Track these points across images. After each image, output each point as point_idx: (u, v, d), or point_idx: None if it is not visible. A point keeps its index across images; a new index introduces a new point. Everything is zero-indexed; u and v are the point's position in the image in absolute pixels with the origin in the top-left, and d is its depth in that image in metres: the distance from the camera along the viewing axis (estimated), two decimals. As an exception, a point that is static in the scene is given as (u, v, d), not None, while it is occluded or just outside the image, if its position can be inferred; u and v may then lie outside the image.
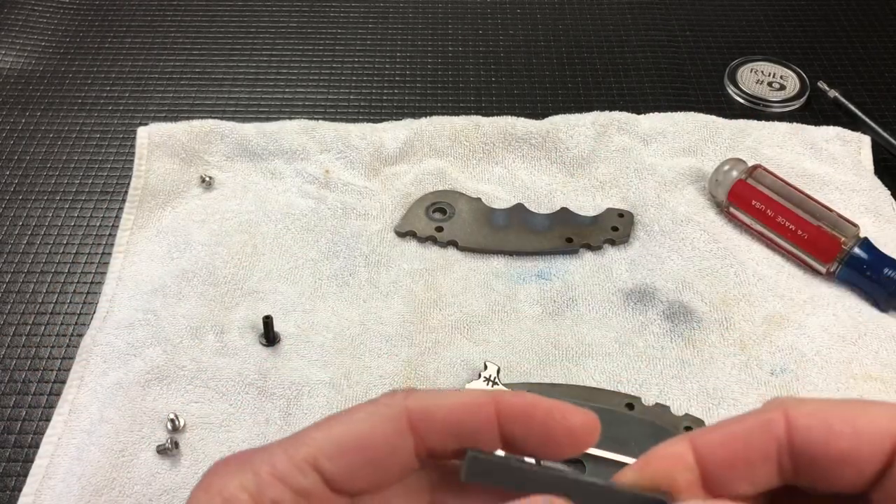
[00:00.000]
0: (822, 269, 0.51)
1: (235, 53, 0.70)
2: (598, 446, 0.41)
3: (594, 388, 0.46)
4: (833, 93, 0.64)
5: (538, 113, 0.62)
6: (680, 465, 0.22)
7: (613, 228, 0.54)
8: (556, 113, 0.61)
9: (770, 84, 0.66)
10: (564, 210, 0.55)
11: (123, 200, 0.56)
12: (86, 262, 0.54)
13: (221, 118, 0.61)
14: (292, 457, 0.23)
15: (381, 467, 0.24)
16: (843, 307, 0.50)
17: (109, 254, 0.53)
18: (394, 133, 0.59)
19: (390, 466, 0.24)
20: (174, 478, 0.42)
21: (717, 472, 0.22)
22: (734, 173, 0.54)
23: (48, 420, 0.45)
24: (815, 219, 0.51)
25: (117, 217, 0.56)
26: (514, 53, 0.70)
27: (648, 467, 0.23)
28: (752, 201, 0.53)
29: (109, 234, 0.55)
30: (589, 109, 0.61)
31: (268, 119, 0.62)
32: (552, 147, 0.59)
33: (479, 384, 0.44)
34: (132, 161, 0.58)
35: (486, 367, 0.45)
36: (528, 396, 0.25)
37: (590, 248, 0.53)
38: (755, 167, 0.54)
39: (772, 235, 0.53)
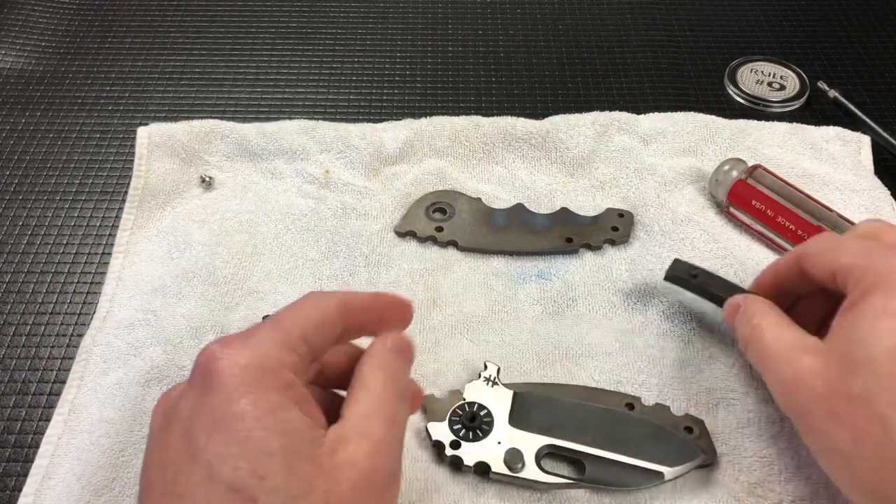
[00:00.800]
0: (822, 269, 0.51)
1: (235, 53, 0.70)
2: (598, 446, 0.41)
3: (594, 388, 0.46)
4: (833, 93, 0.64)
5: (538, 113, 0.62)
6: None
7: (613, 228, 0.54)
8: (556, 113, 0.61)
9: (770, 84, 0.66)
10: (564, 210, 0.55)
11: (123, 200, 0.56)
12: (86, 262, 0.54)
13: (221, 118, 0.61)
14: (290, 333, 0.32)
15: (331, 339, 0.34)
16: (843, 307, 0.50)
17: (109, 254, 0.53)
18: (394, 133, 0.59)
19: (333, 338, 0.34)
20: (174, 478, 0.42)
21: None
22: (734, 173, 0.54)
23: (48, 420, 0.45)
24: (815, 219, 0.51)
25: (117, 217, 0.56)
26: (514, 53, 0.70)
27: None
28: (752, 201, 0.53)
29: (109, 234, 0.55)
30: (589, 109, 0.62)
31: (268, 119, 0.62)
32: (552, 147, 0.59)
33: (479, 384, 0.44)
34: (132, 161, 0.58)
35: (485, 367, 0.45)
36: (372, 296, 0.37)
37: (590, 248, 0.53)
38: (755, 167, 0.54)
39: (772, 235, 0.53)
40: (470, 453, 0.41)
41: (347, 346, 0.37)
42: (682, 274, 0.48)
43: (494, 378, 0.44)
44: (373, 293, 0.36)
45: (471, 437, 0.42)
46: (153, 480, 0.30)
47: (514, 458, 0.41)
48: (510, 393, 0.43)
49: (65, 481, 0.42)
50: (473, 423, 0.42)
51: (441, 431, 0.42)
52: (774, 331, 0.39)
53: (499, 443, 0.41)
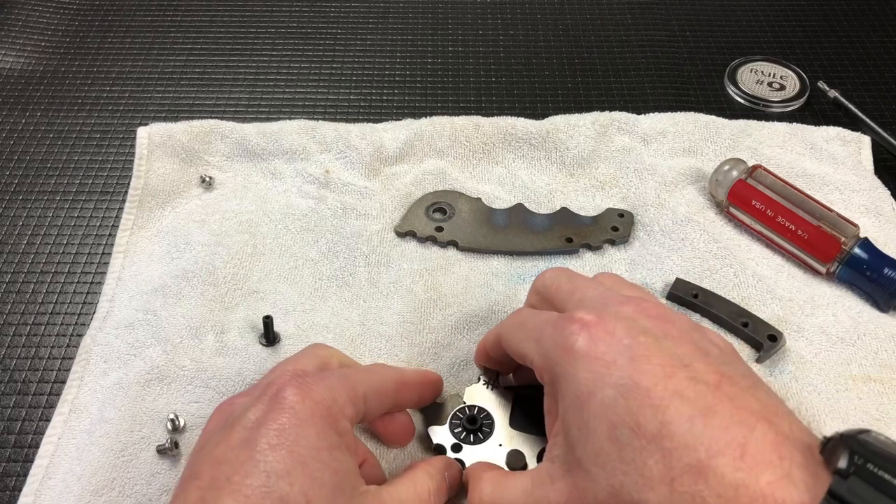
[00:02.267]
0: (822, 270, 0.51)
1: (235, 53, 0.70)
2: None
3: None
4: (833, 93, 0.64)
5: (538, 113, 0.62)
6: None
7: (613, 228, 0.54)
8: (556, 113, 0.61)
9: (770, 84, 0.66)
10: (564, 210, 0.55)
11: (123, 200, 0.56)
12: (86, 262, 0.54)
13: (221, 118, 0.61)
14: (356, 390, 0.36)
15: (384, 407, 0.39)
16: (842, 307, 0.50)
17: (109, 254, 0.53)
18: (394, 133, 0.59)
19: (386, 407, 0.39)
20: (174, 478, 0.42)
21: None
22: (734, 173, 0.54)
23: (48, 420, 0.45)
24: (815, 219, 0.51)
25: (117, 217, 0.56)
26: (514, 53, 0.70)
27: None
28: (752, 201, 0.53)
29: (109, 234, 0.55)
30: (589, 109, 0.62)
31: (268, 119, 0.62)
32: (552, 147, 0.59)
33: (479, 387, 0.44)
34: (132, 161, 0.58)
35: (485, 370, 0.45)
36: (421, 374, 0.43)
37: (590, 248, 0.53)
38: (755, 167, 0.54)
39: (772, 235, 0.53)
40: (471, 456, 0.41)
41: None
42: (684, 294, 0.49)
43: (494, 380, 0.44)
44: (421, 372, 0.43)
45: (472, 439, 0.42)
46: (203, 473, 0.32)
47: (515, 459, 0.40)
48: (510, 395, 0.43)
49: (65, 481, 0.42)
50: (474, 425, 0.42)
51: (442, 435, 0.42)
52: (499, 488, 0.37)
53: (500, 445, 0.41)
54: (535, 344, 0.36)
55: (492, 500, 0.36)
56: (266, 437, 0.32)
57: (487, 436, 0.42)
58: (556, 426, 0.34)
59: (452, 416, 0.43)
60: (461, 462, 0.41)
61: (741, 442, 0.29)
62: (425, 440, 0.43)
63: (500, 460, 0.41)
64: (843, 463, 0.27)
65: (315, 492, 0.31)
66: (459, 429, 0.42)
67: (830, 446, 0.28)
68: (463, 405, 0.43)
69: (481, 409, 0.43)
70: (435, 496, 0.37)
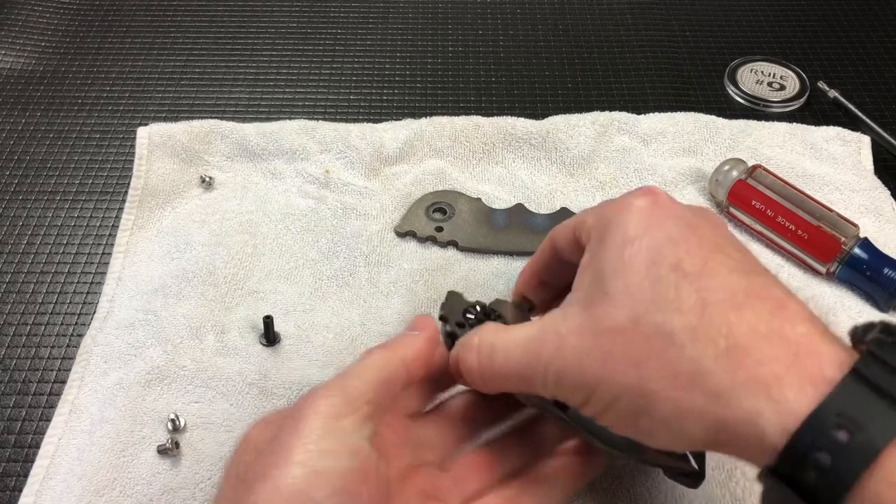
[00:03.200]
0: (822, 269, 0.51)
1: (235, 53, 0.70)
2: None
3: None
4: (833, 93, 0.64)
5: (538, 113, 0.62)
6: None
7: (613, 228, 0.54)
8: (556, 113, 0.61)
9: (770, 84, 0.66)
10: (564, 210, 0.55)
11: (123, 200, 0.56)
12: (86, 262, 0.54)
13: (221, 118, 0.61)
14: (356, 386, 0.33)
15: (392, 394, 0.35)
16: (842, 307, 0.50)
17: (109, 254, 0.53)
18: (394, 133, 0.59)
19: (394, 394, 0.35)
20: (175, 478, 0.42)
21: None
22: (734, 173, 0.54)
23: (48, 420, 0.45)
24: (815, 219, 0.51)
25: (117, 217, 0.56)
26: (514, 53, 0.70)
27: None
28: (752, 201, 0.53)
29: (109, 234, 0.55)
30: (589, 109, 0.62)
31: (268, 119, 0.62)
32: (552, 147, 0.59)
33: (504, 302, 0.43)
34: (132, 161, 0.58)
35: (520, 302, 0.44)
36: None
37: (590, 248, 0.53)
38: (755, 167, 0.54)
39: (772, 235, 0.53)
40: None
41: None
42: None
43: (528, 309, 0.43)
44: (410, 339, 0.37)
45: None
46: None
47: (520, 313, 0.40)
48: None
49: (65, 481, 0.42)
50: (487, 318, 0.40)
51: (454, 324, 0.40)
52: (501, 334, 0.35)
53: None
54: (593, 212, 0.35)
55: (492, 344, 0.35)
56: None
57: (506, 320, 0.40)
58: (585, 273, 0.33)
59: (465, 311, 0.40)
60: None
61: (779, 299, 0.29)
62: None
63: None
64: (874, 335, 0.28)
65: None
66: (473, 318, 0.40)
67: (862, 327, 0.29)
68: (476, 302, 0.41)
69: (494, 309, 0.41)
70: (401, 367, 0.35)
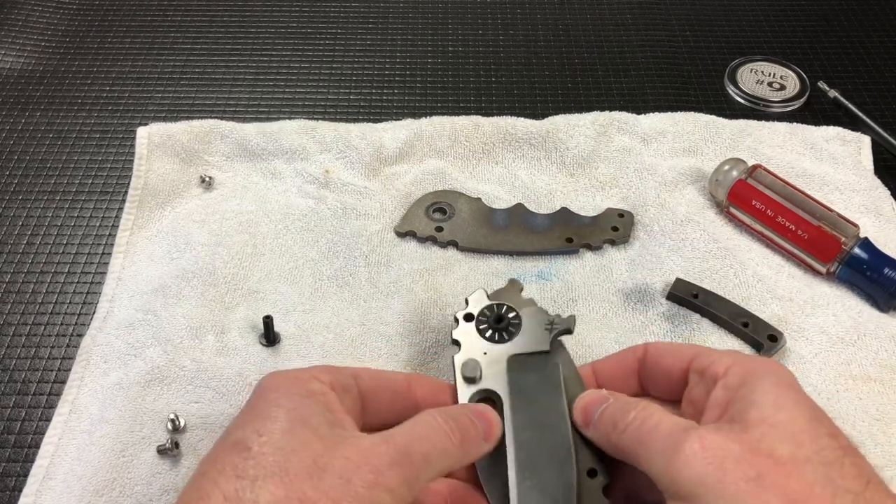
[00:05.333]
0: (822, 269, 0.51)
1: (235, 53, 0.70)
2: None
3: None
4: (833, 93, 0.64)
5: (538, 113, 0.62)
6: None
7: (613, 228, 0.54)
8: (556, 113, 0.61)
9: (770, 84, 0.66)
10: (564, 210, 0.55)
11: (123, 200, 0.56)
12: (86, 262, 0.54)
13: (221, 118, 0.61)
14: (343, 370, 0.36)
15: (386, 398, 0.37)
16: (842, 307, 0.50)
17: (109, 254, 0.53)
18: (394, 133, 0.59)
19: (389, 401, 0.37)
20: (174, 478, 0.42)
21: (606, 383, 0.39)
22: (734, 173, 0.54)
23: (48, 420, 0.45)
24: (815, 219, 0.51)
25: (117, 217, 0.56)
26: (514, 53, 0.70)
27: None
28: (752, 201, 0.53)
29: (109, 234, 0.55)
30: (589, 109, 0.62)
31: (268, 119, 0.62)
32: (552, 147, 0.59)
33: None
34: (132, 161, 0.58)
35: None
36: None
37: (590, 248, 0.53)
38: (755, 167, 0.54)
39: (772, 235, 0.53)
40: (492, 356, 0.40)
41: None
42: (684, 294, 0.49)
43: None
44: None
45: (496, 339, 0.41)
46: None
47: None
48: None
49: (65, 481, 0.42)
50: (499, 324, 0.41)
51: (464, 330, 0.41)
52: (658, 414, 0.34)
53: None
54: (723, 352, 0.36)
55: (653, 421, 0.34)
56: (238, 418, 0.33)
57: (513, 336, 0.40)
58: (712, 408, 0.34)
59: (479, 314, 0.41)
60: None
61: None
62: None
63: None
64: None
65: (267, 426, 0.32)
66: (485, 325, 0.41)
67: None
68: (491, 304, 0.42)
69: (510, 308, 0.41)
70: (452, 439, 0.34)
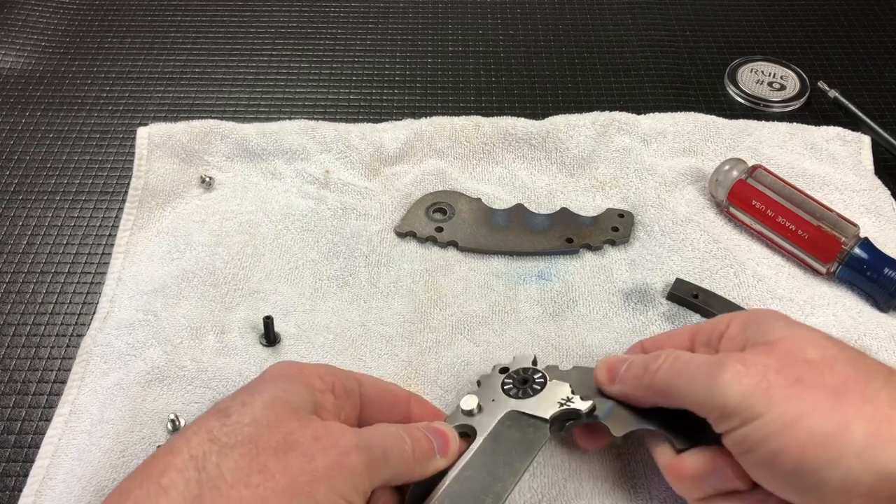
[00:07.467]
0: (822, 270, 0.51)
1: (235, 53, 0.70)
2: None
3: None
4: (833, 93, 0.64)
5: (538, 113, 0.62)
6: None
7: (613, 229, 0.54)
8: (556, 113, 0.61)
9: (770, 84, 0.66)
10: (564, 210, 0.55)
11: (123, 200, 0.56)
12: (86, 262, 0.54)
13: (221, 118, 0.61)
14: (349, 374, 0.38)
15: (384, 410, 0.38)
16: (842, 307, 0.50)
17: (109, 254, 0.53)
18: (394, 133, 0.59)
19: (387, 413, 0.38)
20: (174, 478, 0.42)
21: None
22: (734, 173, 0.54)
23: (48, 420, 0.45)
24: (815, 219, 0.51)
25: (117, 217, 0.56)
26: (514, 53, 0.70)
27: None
28: (753, 201, 0.53)
29: (109, 234, 0.55)
30: (589, 109, 0.62)
31: (268, 119, 0.62)
32: (552, 147, 0.59)
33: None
34: (132, 161, 0.58)
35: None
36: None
37: (590, 248, 0.53)
38: (755, 167, 0.54)
39: (772, 235, 0.53)
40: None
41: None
42: (684, 294, 0.50)
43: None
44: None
45: (510, 394, 0.41)
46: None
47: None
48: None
49: (65, 482, 0.42)
50: (523, 385, 0.41)
51: (492, 377, 0.42)
52: (686, 353, 0.37)
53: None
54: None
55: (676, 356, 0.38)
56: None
57: (527, 396, 0.40)
58: (728, 347, 0.37)
59: (514, 371, 0.42)
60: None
61: None
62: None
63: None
64: None
65: (252, 398, 0.33)
66: (510, 381, 0.41)
67: None
68: (528, 368, 0.42)
69: (543, 375, 0.41)
70: (412, 448, 0.35)
